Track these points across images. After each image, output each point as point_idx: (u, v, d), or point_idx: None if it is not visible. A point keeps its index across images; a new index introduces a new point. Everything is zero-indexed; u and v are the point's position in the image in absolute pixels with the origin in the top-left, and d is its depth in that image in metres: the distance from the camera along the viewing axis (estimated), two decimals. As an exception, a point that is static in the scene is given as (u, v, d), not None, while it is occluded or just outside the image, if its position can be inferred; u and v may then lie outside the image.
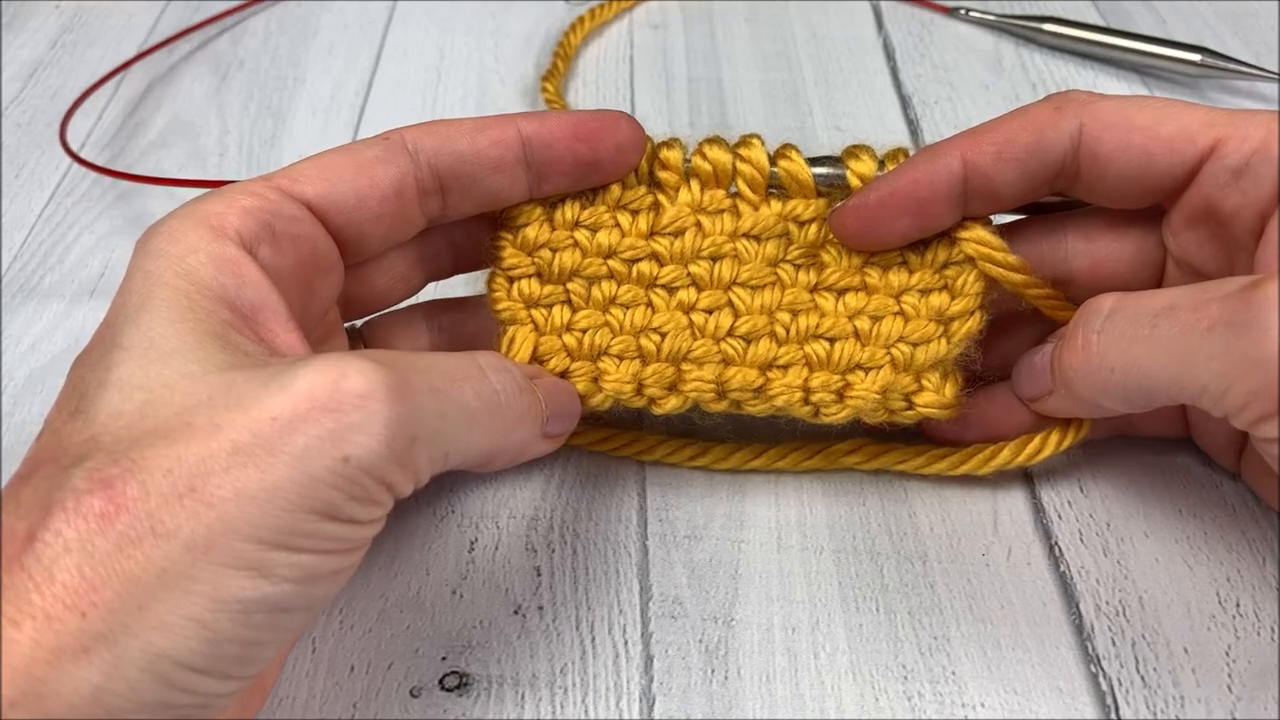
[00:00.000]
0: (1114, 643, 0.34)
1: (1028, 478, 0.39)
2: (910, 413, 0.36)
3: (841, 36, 0.63)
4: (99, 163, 0.53)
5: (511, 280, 0.37)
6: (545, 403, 0.34)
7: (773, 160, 0.36)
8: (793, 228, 0.36)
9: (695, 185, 0.37)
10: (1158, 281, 0.36)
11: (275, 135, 0.56)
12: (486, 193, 0.35)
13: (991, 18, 0.63)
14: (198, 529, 0.24)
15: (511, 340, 0.37)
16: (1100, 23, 0.63)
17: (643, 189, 0.37)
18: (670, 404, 0.37)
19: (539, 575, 0.36)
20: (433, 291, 0.40)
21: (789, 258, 0.37)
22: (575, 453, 0.40)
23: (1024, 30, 0.62)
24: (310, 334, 0.33)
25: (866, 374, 0.36)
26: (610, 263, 0.37)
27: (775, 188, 0.37)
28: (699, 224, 0.37)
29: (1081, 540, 0.37)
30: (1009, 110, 0.35)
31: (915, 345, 0.36)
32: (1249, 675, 0.33)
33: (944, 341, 0.36)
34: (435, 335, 0.39)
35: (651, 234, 0.37)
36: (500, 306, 0.37)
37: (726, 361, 0.36)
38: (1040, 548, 0.37)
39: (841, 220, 0.35)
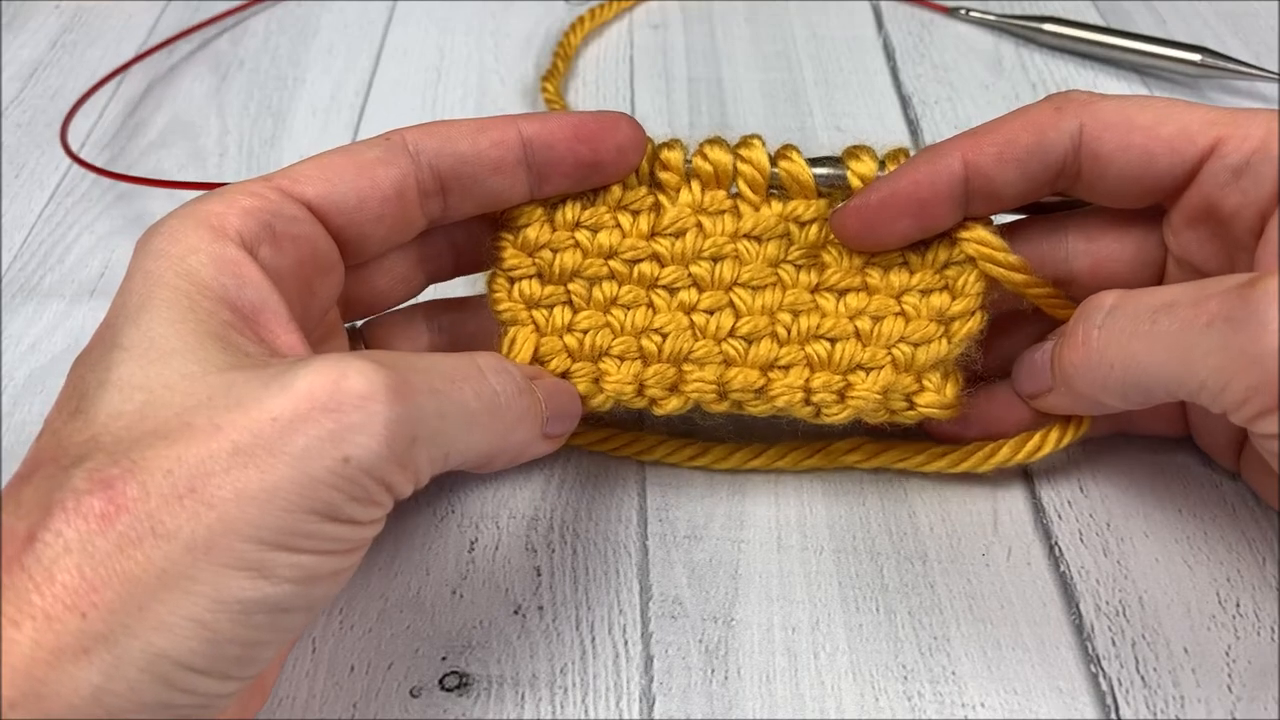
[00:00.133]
0: (1114, 643, 0.34)
1: (1028, 477, 0.39)
2: (911, 413, 0.36)
3: (841, 36, 0.63)
4: (99, 163, 0.53)
5: (512, 281, 0.37)
6: (545, 403, 0.34)
7: (773, 161, 0.36)
8: (794, 228, 0.36)
9: (696, 186, 0.37)
10: (1158, 281, 0.36)
11: (275, 135, 0.56)
12: (487, 193, 0.35)
13: (991, 18, 0.63)
14: (198, 529, 0.24)
15: (512, 341, 0.37)
16: (1100, 23, 0.63)
17: (643, 190, 0.37)
18: (671, 405, 0.37)
19: (539, 575, 0.36)
20: (433, 292, 0.40)
21: (790, 258, 0.37)
22: (575, 453, 0.40)
23: (1024, 30, 0.62)
24: (310, 334, 0.33)
25: (868, 374, 0.36)
26: (611, 263, 0.37)
27: (776, 188, 0.37)
28: (700, 224, 0.37)
29: (1081, 540, 0.37)
30: (1009, 110, 0.35)
31: (916, 345, 0.36)
32: (1249, 675, 0.33)
33: (945, 342, 0.36)
34: (435, 336, 0.39)
35: (652, 235, 0.37)
36: (501, 307, 0.37)
37: (728, 362, 0.36)
38: (1040, 548, 0.37)
39: (842, 221, 0.35)
